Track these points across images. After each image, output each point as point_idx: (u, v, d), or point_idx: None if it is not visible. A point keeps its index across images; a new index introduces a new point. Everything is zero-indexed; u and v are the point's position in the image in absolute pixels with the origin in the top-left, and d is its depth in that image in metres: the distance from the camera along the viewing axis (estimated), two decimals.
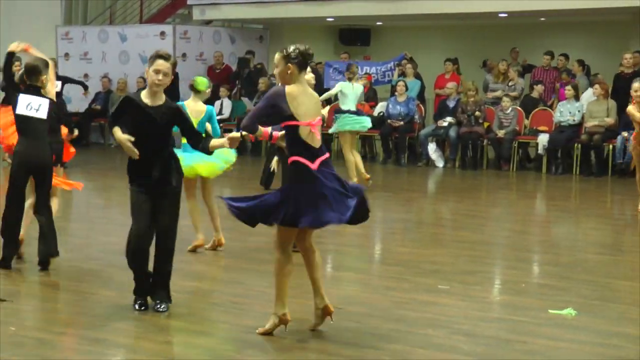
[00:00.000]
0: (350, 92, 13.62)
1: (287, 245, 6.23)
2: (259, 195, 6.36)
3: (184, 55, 20.77)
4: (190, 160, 8.64)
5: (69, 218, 11.46)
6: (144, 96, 6.76)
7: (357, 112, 13.72)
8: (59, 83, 15.39)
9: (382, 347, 6.11)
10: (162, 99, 6.79)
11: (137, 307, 6.96)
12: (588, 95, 16.72)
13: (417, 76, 19.08)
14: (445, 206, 13.46)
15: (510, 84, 18.04)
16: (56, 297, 7.64)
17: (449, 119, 17.48)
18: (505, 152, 16.91)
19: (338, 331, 6.44)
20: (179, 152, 7.49)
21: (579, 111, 16.35)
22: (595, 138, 16.02)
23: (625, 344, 6.24)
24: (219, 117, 12.02)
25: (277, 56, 6.23)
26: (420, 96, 18.98)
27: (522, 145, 17.30)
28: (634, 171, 12.23)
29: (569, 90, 16.50)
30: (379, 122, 17.57)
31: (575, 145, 16.28)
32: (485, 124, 17.23)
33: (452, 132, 17.29)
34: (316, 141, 6.15)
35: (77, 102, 20.61)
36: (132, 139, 6.72)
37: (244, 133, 6.43)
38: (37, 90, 8.19)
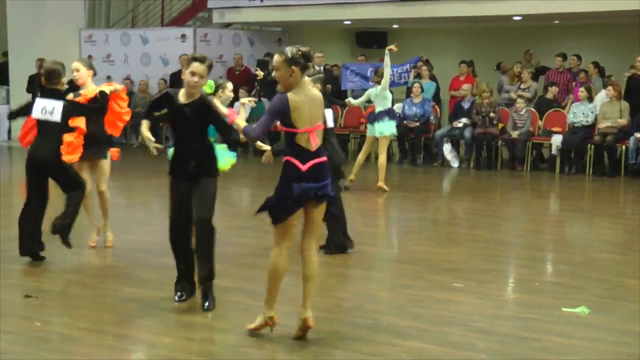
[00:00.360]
0: (379, 94, 13.74)
1: (281, 241, 6.17)
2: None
3: None
4: None
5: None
6: (181, 94, 6.98)
7: (389, 114, 13.76)
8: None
9: (399, 344, 6.16)
10: (196, 96, 6.98)
11: (176, 298, 7.16)
12: (601, 96, 16.73)
13: (433, 78, 19.13)
14: (460, 206, 13.49)
15: (522, 86, 18.09)
16: (80, 294, 7.72)
17: (464, 120, 17.54)
18: (520, 152, 16.96)
19: (355, 328, 6.53)
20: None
21: (592, 112, 16.39)
22: (608, 139, 16.06)
23: (638, 341, 6.26)
24: None
25: (277, 59, 6.02)
26: (436, 98, 19.03)
27: (536, 145, 17.31)
28: None
29: (582, 92, 16.55)
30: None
31: (589, 146, 16.31)
32: (500, 125, 17.27)
33: (467, 133, 17.36)
34: (313, 145, 6.12)
35: None
36: (153, 139, 7.06)
37: (258, 144, 6.91)
38: (54, 93, 8.44)
